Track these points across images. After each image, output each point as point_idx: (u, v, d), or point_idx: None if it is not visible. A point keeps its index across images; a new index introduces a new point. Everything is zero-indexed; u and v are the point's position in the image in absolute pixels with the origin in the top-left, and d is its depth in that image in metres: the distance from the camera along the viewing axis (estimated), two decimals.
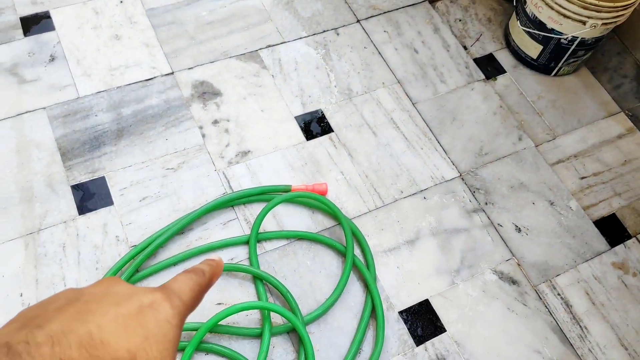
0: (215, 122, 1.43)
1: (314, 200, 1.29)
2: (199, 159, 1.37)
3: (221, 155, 1.38)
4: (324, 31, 1.62)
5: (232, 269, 1.21)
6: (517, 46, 1.62)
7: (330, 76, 1.54)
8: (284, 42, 1.58)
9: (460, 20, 1.70)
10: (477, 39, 1.67)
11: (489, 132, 1.51)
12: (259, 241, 1.28)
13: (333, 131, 1.45)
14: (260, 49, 1.56)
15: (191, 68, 1.50)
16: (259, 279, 1.21)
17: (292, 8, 1.65)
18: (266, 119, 1.45)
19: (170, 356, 0.29)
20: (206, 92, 1.47)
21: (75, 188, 1.29)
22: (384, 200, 1.36)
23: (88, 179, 1.31)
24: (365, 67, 1.56)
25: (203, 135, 1.40)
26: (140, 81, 1.46)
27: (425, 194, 1.39)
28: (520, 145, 1.50)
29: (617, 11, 1.41)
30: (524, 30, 1.57)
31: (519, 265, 1.32)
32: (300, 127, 1.45)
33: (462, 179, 1.42)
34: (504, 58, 1.65)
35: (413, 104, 1.52)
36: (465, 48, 1.65)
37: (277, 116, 1.46)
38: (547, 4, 1.45)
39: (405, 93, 1.54)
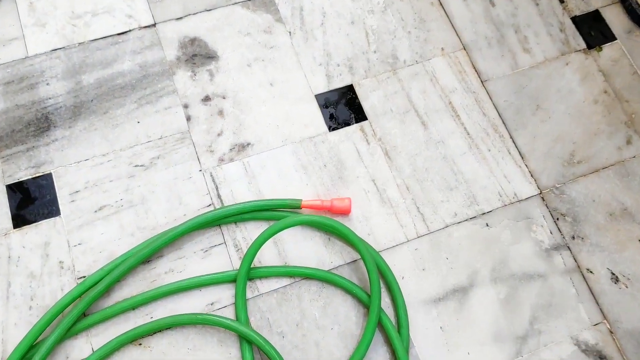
0: (207, 99, 1.05)
1: (331, 227, 0.92)
2: (179, 153, 1.00)
3: (210, 149, 1.01)
4: None
5: (209, 323, 0.87)
6: (637, 1, 1.14)
7: (370, 36, 1.12)
8: None
9: None
10: None
11: (586, 129, 1.08)
12: (251, 279, 0.93)
13: (367, 118, 1.05)
14: None
15: (180, 18, 1.10)
16: (245, 339, 0.87)
17: None
18: (276, 97, 1.06)
19: None
20: (197, 55, 1.07)
21: (12, 189, 0.96)
22: (430, 226, 0.98)
23: (30, 176, 0.97)
24: (420, 25, 1.13)
25: (188, 118, 1.03)
26: (111, 35, 1.08)
27: (489, 218, 1.00)
28: (629, 152, 1.07)
29: None
30: None
31: (611, 332, 0.94)
32: (322, 110, 1.05)
33: (543, 199, 1.02)
34: (615, 18, 1.18)
35: (482, 82, 1.10)
36: (561, 1, 1.18)
37: (291, 93, 1.06)
38: None
39: (473, 65, 1.11)
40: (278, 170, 1.00)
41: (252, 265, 0.94)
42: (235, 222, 0.96)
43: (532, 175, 1.04)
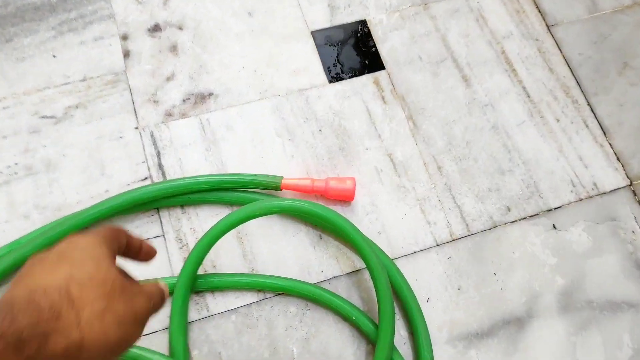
0: (156, 28, 0.73)
1: (322, 218, 0.60)
2: (108, 102, 0.69)
3: (154, 98, 0.70)
4: None
5: None
6: None
7: None
8: None
9: None
10: None
11: None
12: (198, 291, 0.62)
13: (384, 67, 0.74)
14: None
15: None
16: None
17: None
18: (255, 31, 0.74)
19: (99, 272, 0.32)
20: None
21: None
22: (471, 225, 0.66)
23: None
24: None
25: (126, 54, 0.71)
26: None
27: (557, 218, 0.68)
28: None
29: None
30: None
31: None
32: (321, 53, 0.74)
33: (634, 193, 0.70)
34: None
35: (548, 26, 0.78)
36: None
37: (278, 27, 0.75)
38: None
39: (535, 3, 0.79)
40: (251, 133, 0.68)
41: (200, 271, 0.62)
42: (182, 205, 0.65)
43: (618, 159, 0.72)
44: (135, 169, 0.66)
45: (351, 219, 0.65)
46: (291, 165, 0.67)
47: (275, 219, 0.65)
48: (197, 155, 0.67)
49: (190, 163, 0.66)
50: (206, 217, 0.64)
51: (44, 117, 0.67)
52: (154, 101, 0.69)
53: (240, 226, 0.64)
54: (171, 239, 0.63)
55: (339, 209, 0.66)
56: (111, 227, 0.38)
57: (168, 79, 0.70)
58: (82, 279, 0.32)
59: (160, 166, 0.66)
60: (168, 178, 0.66)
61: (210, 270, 0.62)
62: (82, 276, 0.32)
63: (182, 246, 0.63)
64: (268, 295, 0.62)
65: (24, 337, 0.28)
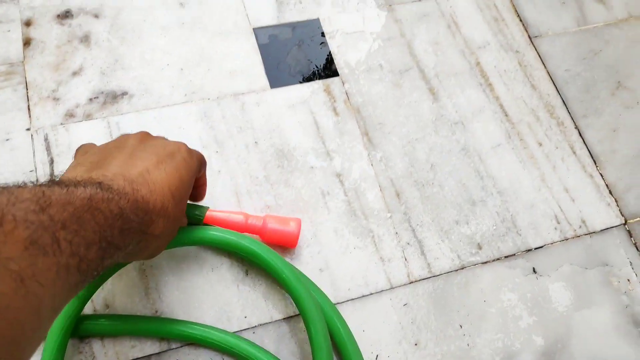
0: (66, 15, 0.61)
1: (243, 250, 0.48)
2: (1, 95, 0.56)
3: (54, 95, 0.57)
4: None
5: None
6: None
7: None
8: None
9: None
10: None
11: None
12: (82, 337, 0.48)
13: (337, 74, 0.62)
14: None
15: None
16: None
17: None
18: (187, 24, 0.62)
19: (187, 182, 0.40)
20: None
21: None
22: (433, 265, 0.54)
23: None
24: None
25: (27, 42, 0.59)
26: None
27: (538, 260, 0.56)
28: None
29: None
30: None
31: None
32: (263, 53, 0.62)
33: (629, 233, 0.59)
34: None
35: (531, 38, 0.67)
36: None
37: (214, 21, 0.63)
38: None
39: (516, 12, 0.69)
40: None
41: (87, 310, 0.48)
42: None
43: (611, 193, 0.60)
44: (21, 178, 0.53)
45: (287, 250, 0.53)
46: (217, 183, 0.55)
47: (189, 248, 0.52)
48: None
49: None
50: None
51: None
52: (54, 98, 0.57)
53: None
54: None
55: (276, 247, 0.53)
56: (201, 154, 0.45)
57: (75, 73, 0.58)
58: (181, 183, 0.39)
59: (53, 177, 0.53)
60: None
61: (102, 310, 0.49)
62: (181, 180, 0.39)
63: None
64: (174, 346, 0.48)
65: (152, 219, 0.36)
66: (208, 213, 0.50)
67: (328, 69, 0.62)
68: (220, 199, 0.54)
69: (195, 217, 0.49)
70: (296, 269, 0.50)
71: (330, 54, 0.63)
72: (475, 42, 0.66)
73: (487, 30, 0.67)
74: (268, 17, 0.64)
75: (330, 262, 0.53)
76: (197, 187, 0.46)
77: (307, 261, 0.53)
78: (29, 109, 0.56)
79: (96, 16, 0.61)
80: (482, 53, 0.65)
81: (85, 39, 0.60)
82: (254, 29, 0.63)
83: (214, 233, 0.47)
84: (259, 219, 0.51)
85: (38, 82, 0.57)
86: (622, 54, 0.68)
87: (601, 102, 0.65)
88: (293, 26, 0.64)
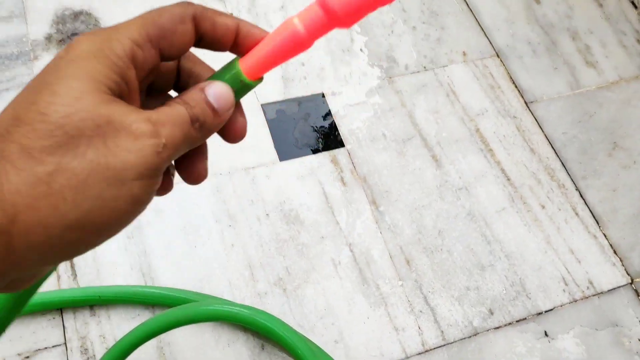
0: None
1: (262, 329, 0.48)
2: None
3: None
4: None
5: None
6: None
7: (354, 28, 0.73)
8: None
9: None
10: None
11: None
12: None
13: (343, 145, 0.64)
14: None
15: None
16: None
17: None
18: None
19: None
20: (80, 33, 0.67)
21: None
22: (446, 332, 0.55)
23: None
24: (430, 19, 0.75)
25: None
26: None
27: (549, 323, 0.57)
28: None
29: None
30: None
31: None
32: (271, 128, 0.64)
33: (637, 292, 0.60)
34: None
35: (526, 103, 0.70)
36: (634, 5, 0.81)
37: None
38: None
39: (511, 79, 0.72)
40: (184, 218, 0.57)
41: None
42: (91, 306, 0.52)
43: (615, 252, 0.62)
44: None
45: (301, 322, 0.53)
46: (231, 257, 0.56)
47: (206, 323, 0.53)
48: (115, 242, 0.55)
49: (105, 253, 0.55)
50: (120, 321, 0.52)
51: None
52: None
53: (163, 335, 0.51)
54: (74, 349, 0.50)
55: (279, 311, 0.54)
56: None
57: None
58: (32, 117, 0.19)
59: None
60: (77, 271, 0.53)
61: None
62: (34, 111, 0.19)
63: (88, 358, 0.50)
64: None
65: None
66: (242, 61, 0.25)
67: (334, 140, 0.64)
68: (234, 273, 0.55)
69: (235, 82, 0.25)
70: (311, 342, 0.50)
71: (335, 126, 0.65)
72: (473, 109, 0.69)
73: (484, 97, 0.70)
74: (275, 93, 0.67)
75: (344, 332, 0.54)
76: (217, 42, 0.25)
77: (321, 333, 0.53)
78: None
79: None
80: (481, 120, 0.68)
81: None
82: (262, 105, 0.65)
83: (229, 308, 0.48)
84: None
85: None
86: (616, 116, 0.71)
87: (599, 163, 0.67)
88: (299, 101, 0.66)
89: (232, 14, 0.33)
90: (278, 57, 0.24)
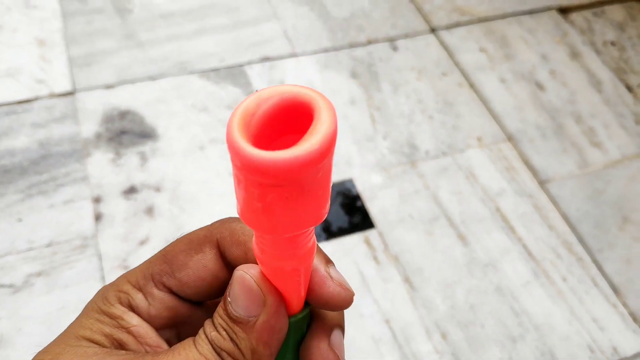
0: (132, 190, 0.69)
1: None
2: (75, 269, 0.62)
3: (124, 264, 0.63)
4: (371, 42, 0.89)
5: None
6: None
7: (377, 119, 0.79)
8: (295, 56, 0.85)
9: (613, 45, 0.95)
10: None
11: None
12: None
13: (374, 226, 0.69)
14: (250, 63, 0.83)
15: (110, 87, 0.78)
16: None
17: (317, 1, 0.93)
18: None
19: None
20: (128, 132, 0.74)
21: None
22: None
23: None
24: (445, 108, 0.82)
25: (98, 217, 0.66)
26: (8, 104, 0.75)
27: None
28: None
29: None
30: None
31: None
32: None
33: None
34: None
35: (540, 183, 0.76)
36: (630, 89, 0.89)
37: None
38: None
39: (524, 161, 0.78)
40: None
41: None
42: None
43: (634, 320, 0.65)
44: None
45: None
46: None
47: None
48: None
49: None
50: None
51: (1, 286, 0.60)
52: (125, 267, 0.63)
53: None
54: None
55: None
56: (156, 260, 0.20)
57: (142, 242, 0.65)
58: None
59: None
60: None
61: None
62: None
63: None
64: None
65: None
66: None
67: (365, 222, 0.69)
68: None
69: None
70: None
71: (365, 209, 0.71)
72: (492, 189, 0.74)
73: (501, 178, 0.75)
74: None
75: None
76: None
77: None
78: (103, 278, 0.62)
79: (158, 190, 0.69)
80: (500, 199, 0.73)
81: (149, 211, 0.67)
82: None
83: None
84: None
85: (110, 253, 0.63)
86: (624, 191, 0.76)
87: (613, 236, 0.72)
88: (331, 187, 0.72)
89: None
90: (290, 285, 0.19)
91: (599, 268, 0.69)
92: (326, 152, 0.14)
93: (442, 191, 0.73)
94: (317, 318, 0.20)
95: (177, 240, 0.20)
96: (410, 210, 0.71)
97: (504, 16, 0.96)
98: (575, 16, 0.99)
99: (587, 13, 1.00)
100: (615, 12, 1.00)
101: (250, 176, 0.14)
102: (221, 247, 0.20)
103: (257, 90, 0.15)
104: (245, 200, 0.15)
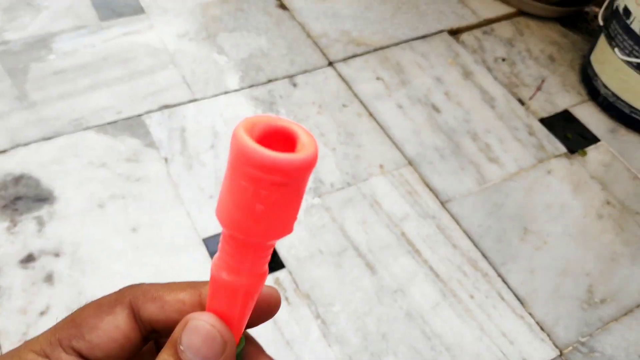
0: (29, 259, 0.67)
1: None
2: None
3: (25, 338, 0.61)
4: (270, 81, 0.90)
5: None
6: (615, 94, 0.90)
7: None
8: (195, 100, 0.85)
9: (504, 60, 0.99)
10: (539, 88, 0.96)
11: (598, 254, 0.75)
12: None
13: (284, 266, 0.69)
14: (148, 112, 0.83)
15: (3, 152, 0.76)
16: None
17: (216, 44, 0.94)
18: (140, 247, 0.69)
19: None
20: (23, 197, 0.72)
21: None
22: None
23: None
24: (347, 140, 0.83)
25: None
26: None
27: None
28: None
29: None
30: (628, 63, 0.86)
31: None
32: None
33: None
34: (591, 117, 0.92)
35: (442, 203, 0.78)
36: (521, 102, 0.93)
37: (165, 240, 0.70)
38: None
39: (425, 183, 0.80)
40: None
41: None
42: None
43: (542, 329, 0.68)
44: None
45: None
46: None
47: None
48: None
49: None
50: None
51: None
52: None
53: None
54: None
55: None
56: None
57: (42, 313, 0.62)
58: None
59: None
60: None
61: None
62: None
63: None
64: None
65: None
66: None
67: (274, 262, 0.69)
68: None
69: None
70: None
71: (274, 249, 0.70)
72: (396, 215, 0.76)
73: (404, 203, 0.77)
74: (214, 227, 0.72)
75: None
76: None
77: None
78: None
79: (57, 255, 0.67)
80: (405, 224, 0.75)
81: (49, 278, 0.65)
82: (204, 239, 0.70)
83: None
84: None
85: (9, 329, 0.61)
86: (522, 203, 0.79)
87: (515, 249, 0.74)
88: None
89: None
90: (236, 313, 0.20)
91: (504, 281, 0.71)
92: (316, 159, 0.17)
93: (349, 222, 0.74)
94: (247, 341, 0.22)
95: (85, 305, 0.20)
96: (319, 245, 0.72)
97: (397, 43, 0.99)
98: (465, 36, 1.03)
99: (477, 32, 1.04)
100: (504, 28, 1.06)
101: (267, 176, 0.17)
102: (134, 307, 0.20)
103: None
104: (246, 207, 0.17)
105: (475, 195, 0.79)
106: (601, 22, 0.93)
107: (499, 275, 0.72)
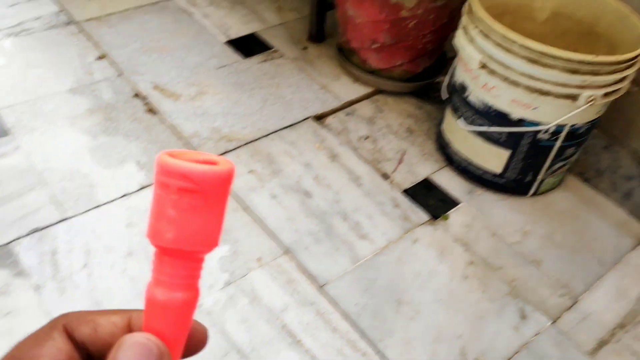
0: None
1: None
2: None
3: None
4: (143, 187, 0.91)
5: None
6: (466, 159, 0.99)
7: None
8: (66, 219, 0.85)
9: (367, 138, 1.07)
10: (400, 161, 1.03)
11: (467, 314, 0.81)
12: None
13: None
14: (17, 238, 0.82)
15: None
16: None
17: (86, 157, 0.95)
18: None
19: None
20: None
21: None
22: None
23: None
24: (225, 236, 0.86)
25: None
26: None
27: None
28: (528, 329, 0.80)
29: (622, 70, 0.83)
30: (471, 131, 0.95)
31: None
32: None
33: None
34: (449, 182, 1.01)
35: (320, 287, 0.81)
36: (385, 177, 1.00)
37: None
38: (507, 80, 0.85)
39: (303, 270, 0.83)
40: None
41: None
42: None
43: None
44: None
45: None
46: None
47: None
48: None
49: None
50: None
51: None
52: None
53: None
54: None
55: None
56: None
57: None
58: None
59: None
60: None
61: None
62: None
63: None
64: None
65: None
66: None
67: None
68: None
69: None
70: None
71: None
72: (276, 307, 0.78)
73: (284, 293, 0.80)
74: None
75: None
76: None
77: None
78: None
79: None
80: (285, 315, 0.77)
81: None
82: None
83: None
84: None
85: None
86: (393, 275, 0.84)
87: (391, 322, 0.78)
88: None
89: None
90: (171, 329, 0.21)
91: (383, 357, 0.75)
92: (226, 173, 0.20)
93: (230, 323, 0.76)
94: None
95: (20, 341, 0.20)
96: (200, 354, 0.72)
97: (267, 134, 1.04)
98: (330, 120, 1.10)
99: (340, 114, 1.11)
100: (365, 108, 1.13)
101: (173, 181, 0.19)
102: (69, 330, 0.20)
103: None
104: (160, 212, 0.20)
105: (351, 274, 0.84)
106: (444, 97, 1.03)
107: (378, 351, 0.75)
